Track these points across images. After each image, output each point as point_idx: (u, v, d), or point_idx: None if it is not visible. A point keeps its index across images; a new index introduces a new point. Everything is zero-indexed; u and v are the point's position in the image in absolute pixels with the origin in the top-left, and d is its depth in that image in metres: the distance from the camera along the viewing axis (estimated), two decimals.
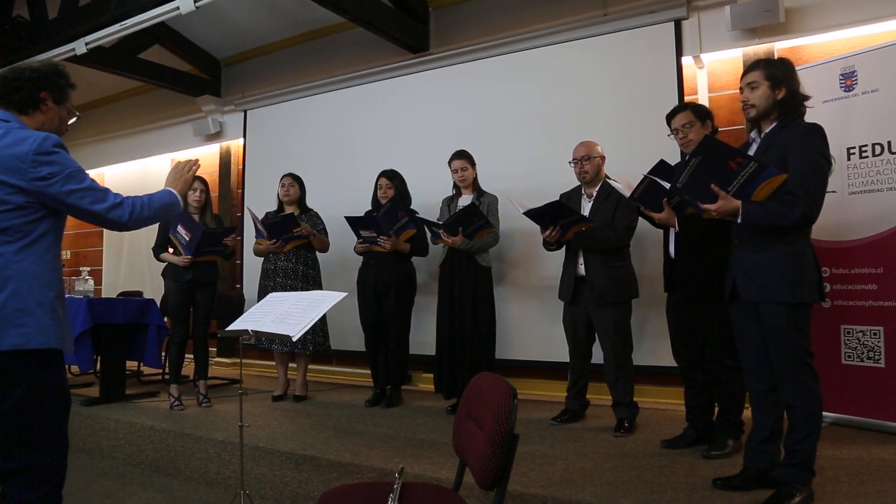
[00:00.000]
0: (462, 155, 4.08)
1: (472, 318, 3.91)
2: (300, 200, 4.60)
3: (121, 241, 7.12)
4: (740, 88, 2.49)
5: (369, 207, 4.42)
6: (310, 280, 4.50)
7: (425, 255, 4.36)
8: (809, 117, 2.45)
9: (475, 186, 4.11)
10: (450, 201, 4.19)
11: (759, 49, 4.00)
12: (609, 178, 3.49)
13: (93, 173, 7.89)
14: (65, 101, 2.00)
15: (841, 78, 3.46)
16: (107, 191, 1.91)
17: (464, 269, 3.96)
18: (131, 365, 5.18)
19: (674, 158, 3.42)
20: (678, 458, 2.91)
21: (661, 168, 2.86)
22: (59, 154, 1.81)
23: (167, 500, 3.17)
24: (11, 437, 1.75)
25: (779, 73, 2.39)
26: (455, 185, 4.17)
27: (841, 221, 3.43)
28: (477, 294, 3.94)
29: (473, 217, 3.75)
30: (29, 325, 1.75)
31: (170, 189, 2.14)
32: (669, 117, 3.12)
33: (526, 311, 4.64)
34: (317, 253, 4.62)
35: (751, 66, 2.48)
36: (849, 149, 3.44)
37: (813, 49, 3.95)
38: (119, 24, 4.76)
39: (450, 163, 4.12)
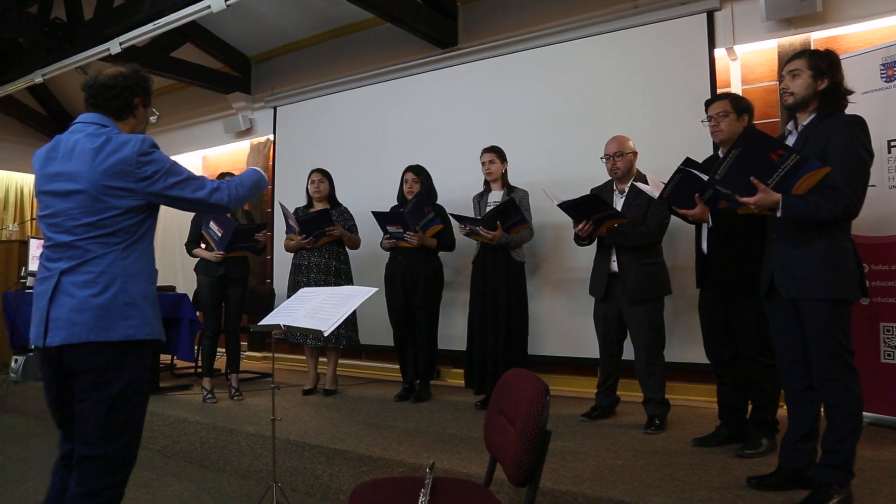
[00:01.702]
0: (492, 149, 4.08)
1: (505, 314, 3.90)
2: (330, 196, 4.63)
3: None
4: (781, 76, 2.44)
5: (396, 202, 4.43)
6: (342, 275, 4.52)
7: (452, 250, 4.36)
8: (848, 109, 2.38)
9: (504, 182, 4.10)
10: (479, 198, 4.18)
11: (794, 40, 3.91)
12: (636, 182, 3.44)
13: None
14: (150, 102, 2.12)
15: (882, 68, 3.37)
16: (203, 178, 2.03)
17: (498, 264, 3.95)
18: (165, 358, 5.29)
19: (705, 152, 3.37)
20: (710, 456, 2.87)
21: (687, 165, 2.82)
22: (157, 152, 1.92)
23: (201, 491, 3.23)
24: (97, 427, 1.83)
25: (823, 64, 2.34)
26: (485, 181, 4.16)
27: (881, 216, 3.34)
28: (511, 289, 3.93)
29: (511, 212, 3.74)
30: (136, 318, 1.87)
31: (255, 168, 2.24)
32: (708, 103, 3.08)
33: (556, 306, 4.61)
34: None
35: (795, 55, 2.43)
36: (889, 141, 3.34)
37: (852, 38, 3.84)
38: (152, 24, 4.84)
39: (480, 156, 4.11)
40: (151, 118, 2.15)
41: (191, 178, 1.98)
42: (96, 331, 1.81)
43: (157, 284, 2.08)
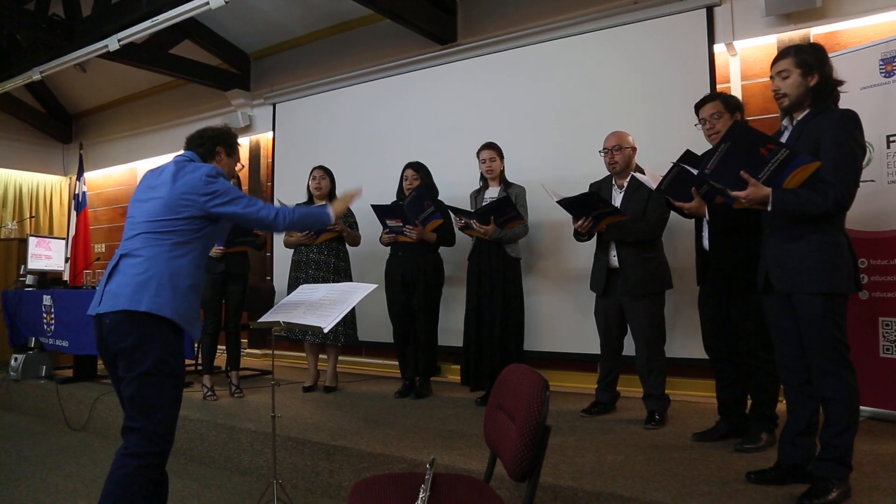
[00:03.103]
0: (491, 146, 4.07)
1: (501, 310, 3.91)
2: (331, 193, 4.62)
3: None
4: (771, 77, 2.43)
5: (396, 199, 4.42)
6: (341, 272, 4.52)
7: (452, 246, 4.36)
8: (847, 104, 2.38)
9: (502, 178, 4.10)
10: (476, 194, 4.18)
11: (794, 35, 3.91)
12: (635, 172, 3.45)
13: (125, 168, 8.10)
14: (234, 154, 2.61)
15: (881, 63, 3.36)
16: (257, 200, 2.44)
17: (493, 260, 3.95)
18: None
19: (704, 149, 3.37)
20: (710, 451, 2.88)
21: (688, 158, 2.82)
22: (222, 179, 2.36)
23: (201, 489, 3.23)
24: (133, 402, 2.15)
25: (810, 59, 2.32)
26: (482, 177, 4.16)
27: (880, 211, 3.34)
28: (506, 285, 3.93)
29: (506, 209, 3.74)
30: (164, 297, 2.18)
31: (326, 207, 2.65)
32: (698, 107, 3.07)
33: (556, 302, 4.61)
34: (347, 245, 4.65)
35: (781, 54, 2.40)
36: (889, 136, 3.34)
37: (851, 34, 3.84)
38: (150, 21, 4.83)
39: (478, 153, 4.11)
40: (237, 167, 2.67)
41: (244, 196, 2.38)
42: (131, 301, 2.14)
43: None
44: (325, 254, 4.47)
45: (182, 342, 2.28)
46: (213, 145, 2.52)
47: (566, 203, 3.36)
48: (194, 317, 2.30)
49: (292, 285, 4.41)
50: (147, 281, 2.17)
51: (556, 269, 4.63)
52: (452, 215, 4.02)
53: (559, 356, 4.58)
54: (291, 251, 4.62)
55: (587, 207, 3.33)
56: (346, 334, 4.48)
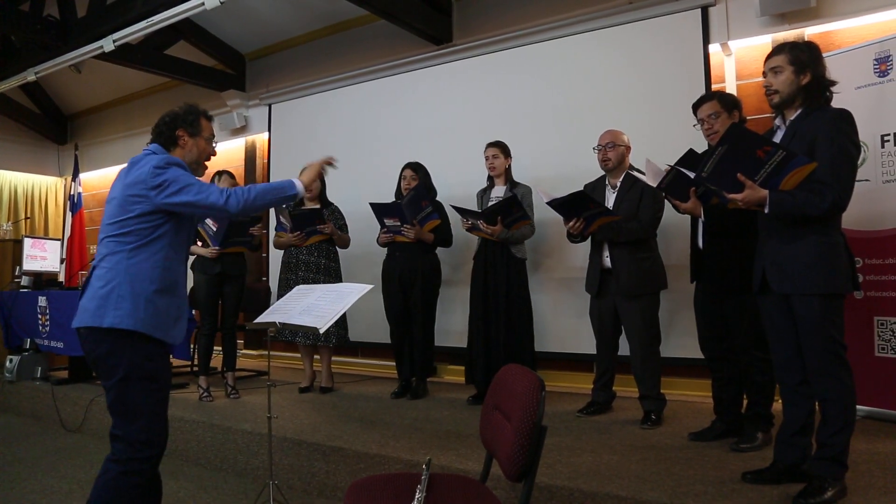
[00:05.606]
0: (496, 143, 4.07)
1: (506, 311, 3.89)
2: (321, 195, 4.61)
3: None
4: (763, 73, 2.42)
5: (393, 200, 4.42)
6: (331, 273, 4.50)
7: (449, 246, 4.36)
8: (841, 104, 2.37)
9: (508, 177, 4.09)
10: (483, 193, 4.17)
11: (788, 35, 3.91)
12: (631, 170, 3.45)
13: (121, 168, 8.05)
14: (198, 132, 2.35)
15: (875, 63, 3.37)
16: (211, 185, 2.23)
17: (498, 260, 3.94)
18: None
19: (701, 148, 3.37)
20: (706, 450, 2.88)
21: (690, 157, 2.81)
22: (172, 168, 2.18)
23: (198, 490, 3.23)
24: (116, 409, 2.13)
25: (804, 56, 2.31)
26: (489, 177, 4.15)
27: (874, 211, 3.35)
28: (511, 286, 3.92)
29: (514, 208, 3.74)
30: (124, 309, 2.09)
31: (291, 179, 2.38)
32: (696, 107, 3.06)
33: (553, 302, 4.62)
34: None
35: (775, 50, 2.39)
36: (883, 136, 3.35)
37: (846, 34, 3.85)
38: (146, 21, 4.83)
39: (484, 151, 4.10)
40: (212, 143, 2.41)
41: (195, 184, 2.17)
42: (95, 317, 2.10)
43: None
44: (316, 255, 4.45)
45: (161, 344, 2.19)
46: (171, 131, 2.31)
47: (556, 204, 3.35)
48: (168, 321, 2.19)
49: (282, 286, 4.41)
50: (108, 294, 2.10)
51: (559, 269, 4.63)
52: (459, 216, 3.99)
53: (555, 356, 4.57)
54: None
55: (578, 208, 3.32)
56: (337, 335, 4.47)
